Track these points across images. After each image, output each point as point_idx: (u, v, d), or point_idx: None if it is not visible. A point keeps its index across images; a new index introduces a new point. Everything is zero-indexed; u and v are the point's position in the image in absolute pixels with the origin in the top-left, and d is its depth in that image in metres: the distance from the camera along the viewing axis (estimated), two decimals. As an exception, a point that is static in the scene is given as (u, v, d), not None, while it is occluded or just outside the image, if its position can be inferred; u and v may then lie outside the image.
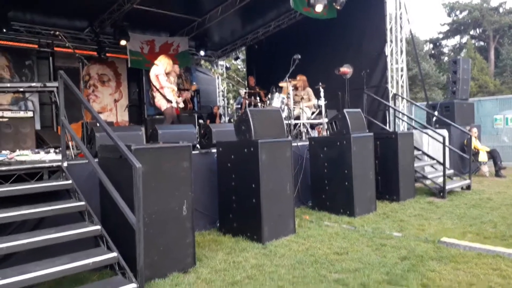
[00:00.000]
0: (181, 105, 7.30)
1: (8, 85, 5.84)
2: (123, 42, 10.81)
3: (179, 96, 7.24)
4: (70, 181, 3.85)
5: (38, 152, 5.15)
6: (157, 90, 6.68)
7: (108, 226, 3.61)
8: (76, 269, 3.14)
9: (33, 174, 3.91)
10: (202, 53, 13.16)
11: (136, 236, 3.10)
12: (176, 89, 7.10)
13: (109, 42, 11.52)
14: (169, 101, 6.69)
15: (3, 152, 5.11)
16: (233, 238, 4.70)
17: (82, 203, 3.69)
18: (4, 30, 9.33)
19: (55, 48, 10.46)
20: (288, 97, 7.91)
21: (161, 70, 6.71)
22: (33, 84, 5.37)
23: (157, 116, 10.04)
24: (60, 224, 3.56)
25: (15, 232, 3.50)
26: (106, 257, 3.31)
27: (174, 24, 11.80)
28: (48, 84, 5.35)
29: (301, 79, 8.65)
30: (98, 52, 11.22)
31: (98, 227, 3.52)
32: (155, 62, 6.86)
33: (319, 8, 8.20)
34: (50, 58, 10.63)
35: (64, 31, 9.94)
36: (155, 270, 3.55)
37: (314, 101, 8.48)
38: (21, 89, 5.50)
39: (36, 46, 10.44)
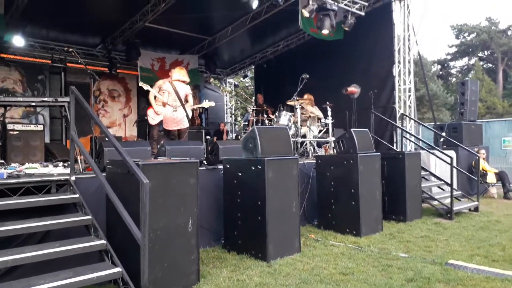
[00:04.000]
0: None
1: (21, 99, 5.95)
2: (139, 63, 10.95)
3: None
4: (77, 195, 3.88)
5: (47, 166, 5.21)
6: (183, 107, 6.59)
7: (113, 241, 3.62)
8: (80, 283, 3.13)
9: (41, 187, 3.95)
10: (211, 67, 13.29)
11: (141, 251, 3.10)
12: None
13: (120, 59, 11.74)
14: (189, 120, 6.81)
15: (13, 164, 5.17)
16: (238, 255, 4.67)
17: (89, 217, 3.71)
18: (21, 45, 9.60)
19: (68, 64, 10.69)
20: (295, 115, 7.96)
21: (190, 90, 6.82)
22: (45, 99, 5.46)
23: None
24: (66, 238, 3.58)
25: (22, 244, 3.53)
26: (110, 272, 3.31)
27: (185, 42, 12.01)
28: (59, 99, 5.44)
29: (308, 98, 8.71)
30: (109, 68, 11.42)
31: (104, 241, 3.53)
32: (184, 79, 6.64)
33: (325, 31, 8.31)
34: (62, 74, 10.83)
35: (77, 47, 10.19)
36: (159, 286, 3.53)
37: (318, 114, 8.54)
38: (33, 104, 5.60)
39: (49, 61, 10.66)
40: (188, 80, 6.75)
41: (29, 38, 9.86)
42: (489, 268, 4.10)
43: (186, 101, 6.67)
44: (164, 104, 6.58)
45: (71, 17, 9.10)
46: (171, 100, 6.51)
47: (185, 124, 6.68)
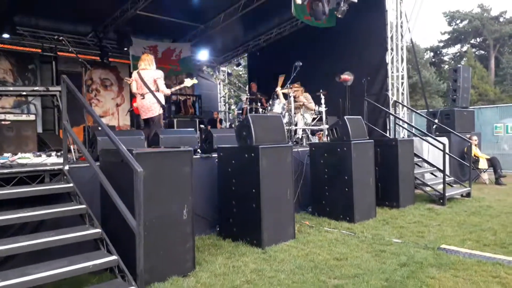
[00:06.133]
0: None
1: (11, 88, 5.89)
2: (131, 51, 10.75)
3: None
4: (71, 184, 3.86)
5: (40, 155, 5.17)
6: (152, 93, 6.06)
7: (108, 229, 3.62)
8: (76, 271, 3.14)
9: (35, 177, 3.92)
10: (205, 55, 13.19)
11: (137, 239, 3.11)
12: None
13: (112, 47, 11.60)
14: (162, 106, 6.24)
15: (5, 154, 5.14)
16: (233, 242, 4.71)
17: (83, 206, 3.70)
18: (9, 35, 9.43)
19: (58, 53, 10.57)
20: (289, 103, 7.95)
21: (159, 74, 6.19)
22: (36, 88, 5.40)
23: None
24: (61, 227, 3.57)
25: (16, 234, 3.52)
26: (106, 260, 3.31)
27: (177, 30, 11.88)
28: (51, 88, 5.38)
29: (294, 87, 8.63)
30: (101, 57, 11.30)
31: (99, 230, 3.54)
32: (146, 67, 6.14)
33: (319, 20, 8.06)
34: (53, 63, 10.72)
35: (68, 36, 10.04)
36: (155, 274, 3.56)
37: (312, 104, 8.49)
38: (24, 93, 5.54)
39: (39, 50, 10.54)
40: (151, 67, 6.17)
41: (18, 27, 9.69)
42: (481, 253, 4.17)
43: (158, 89, 6.15)
44: (135, 94, 6.29)
45: (61, 5, 8.95)
46: (139, 88, 6.16)
47: (155, 112, 6.16)
